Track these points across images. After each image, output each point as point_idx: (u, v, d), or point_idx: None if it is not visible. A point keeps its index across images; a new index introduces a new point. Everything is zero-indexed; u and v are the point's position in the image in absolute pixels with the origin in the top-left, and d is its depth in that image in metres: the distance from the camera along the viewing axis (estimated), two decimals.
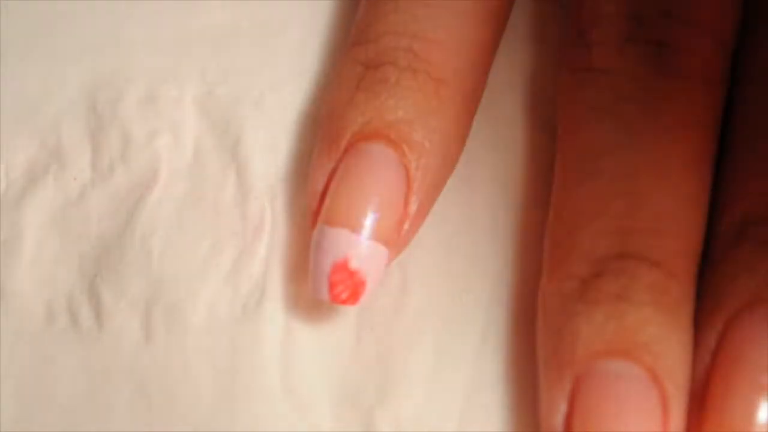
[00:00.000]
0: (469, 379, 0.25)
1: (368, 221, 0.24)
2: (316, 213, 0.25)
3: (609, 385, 0.23)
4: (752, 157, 0.25)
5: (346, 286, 0.24)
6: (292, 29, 0.29)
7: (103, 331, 0.26)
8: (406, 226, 0.25)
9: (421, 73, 0.26)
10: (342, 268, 0.24)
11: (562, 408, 0.23)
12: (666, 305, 0.24)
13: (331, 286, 0.24)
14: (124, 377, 0.26)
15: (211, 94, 0.28)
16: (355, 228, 0.24)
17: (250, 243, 0.27)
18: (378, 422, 0.25)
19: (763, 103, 0.26)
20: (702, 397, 0.23)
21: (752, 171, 0.25)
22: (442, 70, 0.26)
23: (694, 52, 0.26)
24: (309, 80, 0.28)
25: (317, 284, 0.25)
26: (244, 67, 0.29)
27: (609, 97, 0.26)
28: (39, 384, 0.26)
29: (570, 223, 0.25)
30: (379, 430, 0.25)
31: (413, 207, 0.25)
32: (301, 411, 0.25)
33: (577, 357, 0.23)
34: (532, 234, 0.27)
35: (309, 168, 0.26)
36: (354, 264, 0.24)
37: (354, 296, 0.25)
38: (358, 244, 0.24)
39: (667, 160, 0.25)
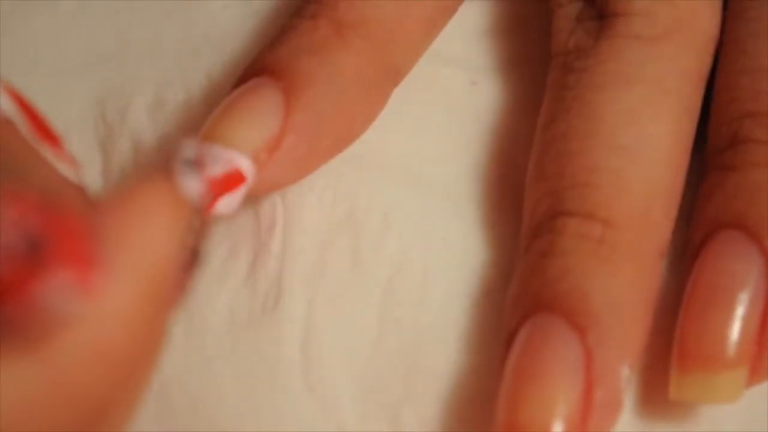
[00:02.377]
0: (492, 375, 0.25)
1: (228, 135, 0.24)
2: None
3: (528, 339, 0.23)
4: (741, 58, 0.26)
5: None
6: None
7: None
8: (282, 149, 0.24)
9: (322, 17, 0.26)
10: (193, 173, 0.22)
11: (498, 368, 0.24)
12: (597, 253, 0.24)
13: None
14: None
15: (218, 95, 0.28)
16: (213, 140, 0.24)
17: (264, 241, 0.26)
18: (404, 418, 0.25)
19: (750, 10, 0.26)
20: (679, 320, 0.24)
21: (742, 71, 0.26)
22: (347, 13, 0.26)
23: (633, 14, 0.26)
24: None
25: None
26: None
27: (558, 74, 0.26)
28: None
29: (525, 196, 0.26)
30: (406, 425, 0.25)
31: (293, 132, 0.25)
32: (325, 408, 0.25)
33: (510, 318, 0.24)
34: None
35: None
36: (212, 171, 0.24)
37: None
38: (215, 155, 0.24)
39: (597, 117, 0.25)
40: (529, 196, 0.25)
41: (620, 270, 0.24)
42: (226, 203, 0.24)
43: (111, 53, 0.29)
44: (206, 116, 0.28)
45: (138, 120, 0.28)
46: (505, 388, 0.23)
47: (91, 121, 0.28)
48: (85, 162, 0.28)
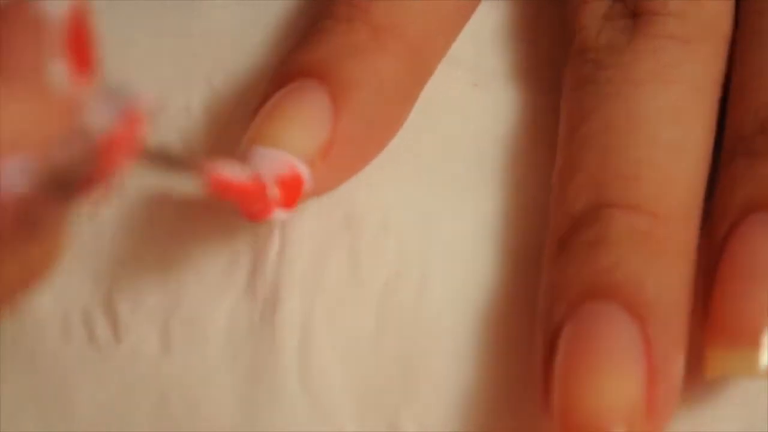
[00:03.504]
0: (494, 374, 0.25)
1: (285, 137, 0.24)
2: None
3: (586, 326, 0.23)
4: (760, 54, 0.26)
5: (257, 195, 0.24)
6: (295, 30, 0.29)
7: (121, 344, 0.26)
8: (334, 154, 0.25)
9: (358, 20, 0.26)
10: (252, 180, 0.23)
11: (546, 357, 0.23)
12: (646, 245, 0.24)
13: (242, 200, 0.24)
14: (145, 389, 0.25)
15: (217, 99, 0.28)
16: (272, 143, 0.24)
17: (262, 248, 0.26)
18: (403, 422, 0.25)
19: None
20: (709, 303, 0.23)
21: (764, 62, 0.26)
22: (383, 17, 0.26)
23: (667, 14, 0.26)
24: None
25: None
26: (250, 70, 0.28)
27: (589, 70, 0.26)
28: (59, 401, 0.26)
29: (556, 193, 0.25)
30: (405, 430, 0.25)
31: (343, 133, 0.25)
32: (324, 414, 0.25)
33: (555, 307, 0.24)
34: (545, 225, 0.26)
35: None
36: (267, 176, 0.24)
37: (265, 207, 0.24)
38: (271, 156, 0.24)
39: (639, 111, 0.25)
40: (565, 189, 0.25)
41: (670, 263, 0.24)
42: (286, 210, 0.24)
43: (109, 58, 0.29)
44: (207, 121, 0.28)
45: None
46: (563, 377, 0.23)
47: None
48: None
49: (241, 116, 0.28)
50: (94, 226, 0.27)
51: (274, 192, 0.24)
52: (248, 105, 0.28)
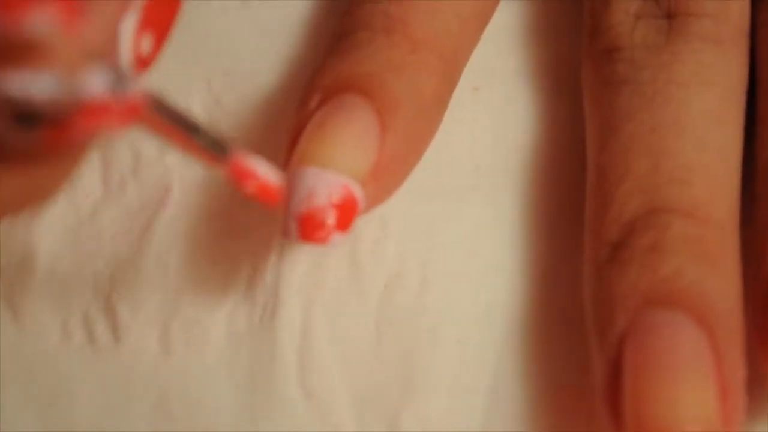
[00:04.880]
0: (493, 377, 0.25)
1: (339, 158, 0.24)
2: (286, 161, 0.24)
3: (654, 334, 0.22)
4: None
5: (316, 222, 0.23)
6: (296, 34, 0.29)
7: (121, 347, 0.26)
8: (383, 171, 0.24)
9: (397, 33, 0.26)
10: (312, 203, 0.23)
11: (612, 366, 0.23)
12: (702, 252, 0.23)
13: (300, 223, 0.23)
14: (144, 391, 0.25)
15: (217, 102, 0.28)
16: (325, 164, 0.24)
17: (263, 255, 0.26)
18: (403, 423, 0.25)
19: None
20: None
21: None
22: (419, 30, 0.26)
23: (702, 15, 0.26)
24: None
25: (287, 225, 0.24)
26: (249, 73, 0.28)
27: (625, 69, 0.26)
28: (59, 403, 0.26)
29: (599, 193, 0.25)
30: (404, 430, 0.25)
31: (389, 150, 0.25)
32: (323, 415, 0.25)
33: (617, 315, 0.23)
34: (552, 228, 0.27)
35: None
36: (322, 198, 0.23)
37: (324, 232, 0.23)
38: (328, 180, 0.24)
39: (685, 113, 0.25)
40: (612, 193, 0.25)
41: (725, 269, 0.24)
42: (342, 234, 0.24)
43: None
44: (207, 125, 0.28)
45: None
46: (636, 391, 0.22)
47: None
48: (84, 169, 0.28)
49: (241, 118, 0.28)
50: (94, 228, 0.27)
51: (332, 217, 0.23)
52: (248, 107, 0.28)
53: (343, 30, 0.26)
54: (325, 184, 0.23)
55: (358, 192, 0.24)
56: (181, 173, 0.27)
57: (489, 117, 0.28)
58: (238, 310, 0.26)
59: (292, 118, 0.25)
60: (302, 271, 0.26)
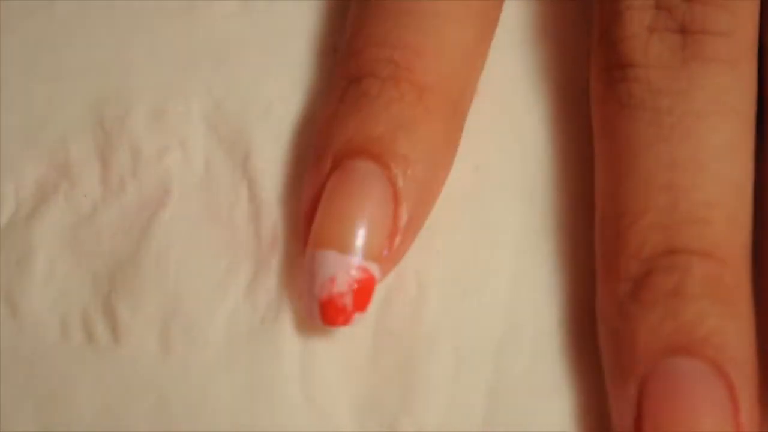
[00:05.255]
0: (490, 383, 0.25)
1: (356, 241, 0.24)
2: (305, 236, 0.25)
3: (674, 384, 0.23)
4: None
5: (337, 307, 0.24)
6: (296, 39, 0.29)
7: (120, 347, 0.26)
8: (397, 241, 0.25)
9: (403, 81, 0.26)
10: (333, 290, 0.24)
11: (631, 413, 0.23)
12: (721, 295, 0.24)
13: (323, 309, 0.24)
14: (143, 392, 0.25)
15: (218, 107, 0.28)
16: (343, 249, 0.24)
17: (265, 257, 0.26)
18: (401, 429, 0.25)
19: None
20: None
21: None
22: (425, 76, 0.26)
23: (718, 33, 0.26)
24: (315, 90, 0.28)
25: (309, 307, 0.25)
26: (250, 79, 0.29)
27: (640, 92, 0.25)
28: (58, 403, 0.25)
29: (616, 225, 0.25)
30: None
31: (403, 220, 0.25)
32: (323, 420, 0.25)
33: (638, 360, 0.23)
34: (552, 232, 0.27)
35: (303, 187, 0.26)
36: (342, 285, 0.24)
37: (345, 316, 0.25)
38: (347, 265, 0.24)
39: (704, 148, 0.25)
40: (630, 230, 0.25)
41: (742, 312, 0.24)
42: (361, 313, 0.25)
43: (110, 60, 0.29)
44: (206, 129, 0.28)
45: (137, 129, 0.28)
46: None
47: (90, 128, 0.28)
48: (83, 169, 0.28)
49: (241, 124, 0.28)
50: (93, 227, 0.27)
51: (350, 301, 0.24)
52: (248, 113, 0.28)
53: (348, 74, 0.26)
54: (344, 269, 0.24)
55: (375, 271, 0.25)
56: (181, 174, 0.28)
57: (488, 118, 0.28)
58: (239, 312, 0.26)
59: (306, 180, 0.26)
60: None
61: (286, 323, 0.26)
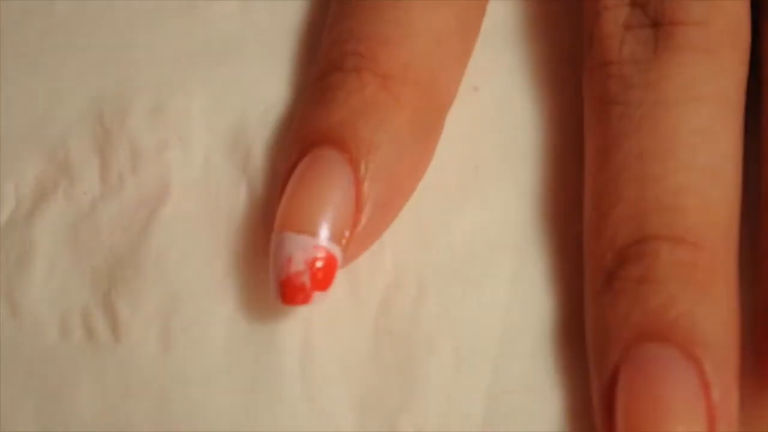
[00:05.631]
0: (490, 383, 0.25)
1: (314, 221, 0.25)
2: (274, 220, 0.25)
3: (644, 370, 0.23)
4: None
5: (295, 286, 0.25)
6: (296, 38, 0.29)
7: (120, 344, 0.26)
8: (361, 224, 0.25)
9: (365, 71, 0.26)
10: (290, 269, 0.24)
11: (607, 401, 0.23)
12: (693, 279, 0.24)
13: (281, 288, 0.25)
14: (143, 390, 0.25)
15: (218, 105, 0.28)
16: (300, 229, 0.25)
17: (263, 253, 0.26)
18: (401, 428, 0.25)
19: None
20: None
21: None
22: (389, 64, 0.26)
23: (690, 23, 0.26)
24: None
25: (272, 289, 0.25)
26: (250, 77, 0.29)
27: (615, 88, 0.26)
28: (58, 400, 0.26)
29: (594, 217, 0.25)
30: None
31: (366, 203, 0.25)
32: (323, 419, 0.25)
33: (610, 348, 0.24)
34: (551, 230, 0.27)
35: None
36: (299, 263, 0.24)
37: (304, 294, 0.25)
38: (303, 244, 0.25)
39: (672, 136, 0.25)
40: (605, 220, 0.25)
41: (718, 295, 0.24)
42: (322, 292, 0.25)
43: (110, 58, 0.29)
44: (206, 127, 0.28)
45: (136, 126, 0.28)
46: (626, 425, 0.23)
47: (90, 125, 0.28)
48: (83, 167, 0.28)
49: (239, 122, 0.28)
50: (93, 224, 0.27)
51: (308, 279, 0.24)
52: (247, 111, 0.28)
53: (318, 72, 0.27)
54: (301, 248, 0.24)
55: (335, 250, 0.25)
56: (180, 171, 0.28)
57: (489, 117, 0.28)
58: (239, 310, 0.26)
59: (280, 172, 0.26)
60: None
61: (286, 323, 0.26)
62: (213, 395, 0.25)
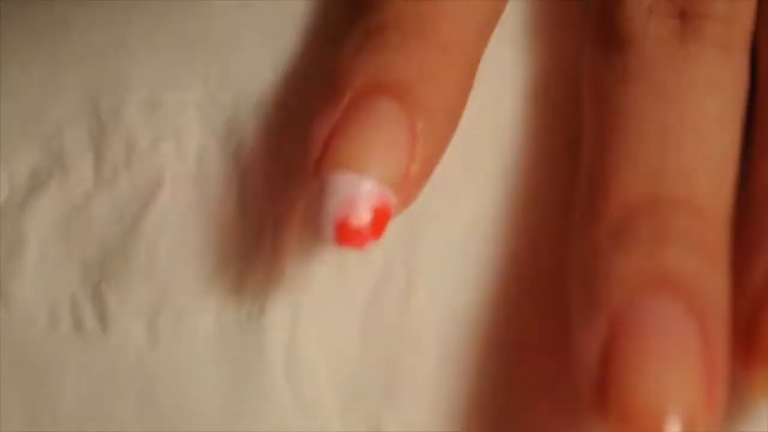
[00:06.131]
0: (477, 382, 0.25)
1: (376, 167, 0.24)
2: (318, 161, 0.25)
3: (647, 321, 0.23)
4: None
5: (353, 230, 0.24)
6: (292, 31, 0.29)
7: (108, 335, 0.26)
8: (412, 176, 0.25)
9: (428, 37, 0.26)
10: (349, 210, 0.24)
11: (598, 346, 0.23)
12: (701, 246, 0.24)
13: (339, 230, 0.24)
14: (130, 381, 0.26)
15: (213, 99, 0.28)
16: (362, 171, 0.24)
17: (253, 249, 0.26)
18: (386, 425, 0.25)
19: None
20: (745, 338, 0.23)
21: None
22: (448, 33, 0.26)
23: (716, 19, 0.26)
24: (310, 82, 0.28)
25: (324, 230, 0.24)
26: (245, 71, 0.29)
27: (637, 63, 0.26)
28: (44, 390, 0.26)
29: (600, 173, 0.25)
30: (388, 431, 0.25)
31: (418, 158, 0.25)
32: (309, 414, 0.25)
33: (612, 295, 0.23)
34: (543, 225, 0.27)
35: (313, 120, 0.26)
36: (361, 206, 0.24)
37: (360, 239, 0.24)
38: (367, 188, 0.24)
39: (694, 114, 0.25)
40: (620, 176, 0.25)
41: (721, 265, 0.24)
42: (375, 240, 0.24)
43: (106, 50, 0.29)
44: (201, 120, 0.28)
45: (132, 119, 0.28)
46: (623, 367, 0.23)
47: (85, 117, 0.28)
48: (77, 158, 0.28)
49: (237, 116, 0.28)
50: (85, 216, 0.27)
51: (369, 225, 0.24)
52: (244, 105, 0.28)
53: (371, 26, 0.26)
54: (363, 192, 0.24)
55: (392, 199, 0.24)
56: (174, 165, 0.28)
57: (481, 109, 0.28)
58: (227, 305, 0.26)
59: (319, 111, 0.25)
60: (293, 271, 0.26)
61: (273, 316, 0.26)
62: (198, 388, 0.25)
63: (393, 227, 0.26)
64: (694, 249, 0.24)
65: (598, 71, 0.27)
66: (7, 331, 0.26)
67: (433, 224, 0.27)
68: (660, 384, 0.22)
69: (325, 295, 0.26)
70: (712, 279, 0.24)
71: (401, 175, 0.25)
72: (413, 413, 0.25)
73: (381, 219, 0.24)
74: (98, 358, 0.26)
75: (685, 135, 0.25)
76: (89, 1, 0.30)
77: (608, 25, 0.27)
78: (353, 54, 0.26)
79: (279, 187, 0.27)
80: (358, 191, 0.24)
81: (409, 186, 0.25)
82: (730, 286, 0.24)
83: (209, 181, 0.27)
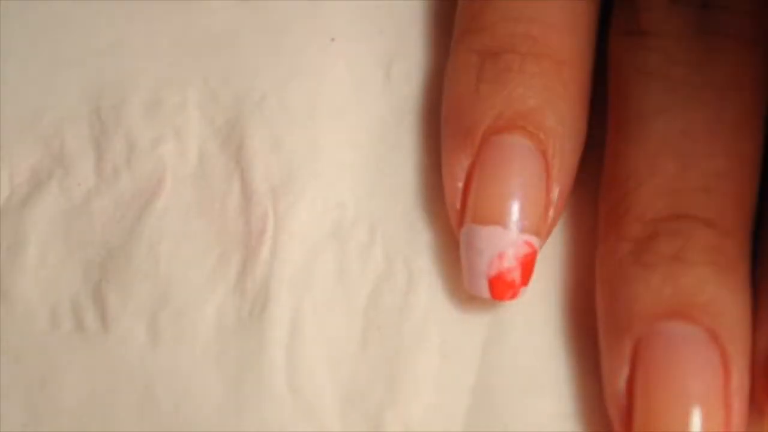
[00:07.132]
0: (476, 380, 0.26)
1: (519, 216, 0.25)
2: (461, 212, 0.25)
3: (669, 347, 0.23)
4: None
5: (507, 282, 0.25)
6: (292, 30, 0.29)
7: (109, 335, 0.26)
8: (550, 215, 0.25)
9: (544, 57, 0.26)
10: (500, 265, 0.25)
11: (624, 372, 0.24)
12: (722, 265, 0.24)
13: (493, 285, 0.25)
14: (131, 381, 0.26)
15: (213, 98, 0.28)
16: (507, 224, 0.25)
17: (254, 248, 0.27)
18: (386, 423, 0.25)
19: None
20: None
21: None
22: (562, 51, 0.26)
23: (738, 10, 0.26)
24: (310, 80, 0.28)
25: (476, 284, 0.25)
26: (245, 70, 0.29)
27: (657, 60, 0.26)
28: (46, 390, 0.26)
29: (622, 186, 0.25)
30: (388, 430, 0.25)
31: (555, 193, 0.25)
32: (309, 413, 0.25)
33: (635, 320, 0.24)
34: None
35: (443, 166, 0.26)
36: (510, 259, 0.25)
37: (514, 290, 0.25)
38: (511, 240, 0.25)
39: (717, 119, 0.25)
40: (639, 191, 0.25)
41: (740, 285, 0.24)
42: (524, 289, 0.25)
43: (107, 50, 0.29)
44: (201, 119, 0.28)
45: (133, 119, 0.28)
46: (647, 395, 0.23)
47: (86, 117, 0.28)
48: (78, 158, 0.28)
49: (237, 115, 0.28)
50: (86, 215, 0.27)
51: (518, 275, 0.25)
52: (244, 104, 0.28)
53: (484, 49, 0.26)
54: (511, 244, 0.25)
55: (537, 244, 0.25)
56: (174, 165, 0.28)
57: None
58: (228, 304, 0.26)
59: (451, 157, 0.26)
60: (294, 269, 0.26)
61: (274, 315, 0.26)
62: (199, 387, 0.25)
63: (393, 227, 0.27)
64: (714, 268, 0.24)
65: (619, 63, 0.26)
66: (9, 330, 0.26)
67: (434, 225, 0.27)
68: (681, 413, 0.23)
69: (326, 294, 0.26)
70: (732, 299, 0.24)
71: (542, 218, 0.25)
72: (413, 410, 0.25)
73: (528, 265, 0.25)
74: (99, 357, 0.26)
75: (708, 143, 0.25)
76: (89, 1, 0.30)
77: (631, 14, 0.26)
78: (473, 88, 0.26)
79: (279, 183, 0.27)
80: (505, 244, 0.25)
81: (550, 226, 0.25)
82: (751, 301, 0.24)
83: (210, 179, 0.27)
